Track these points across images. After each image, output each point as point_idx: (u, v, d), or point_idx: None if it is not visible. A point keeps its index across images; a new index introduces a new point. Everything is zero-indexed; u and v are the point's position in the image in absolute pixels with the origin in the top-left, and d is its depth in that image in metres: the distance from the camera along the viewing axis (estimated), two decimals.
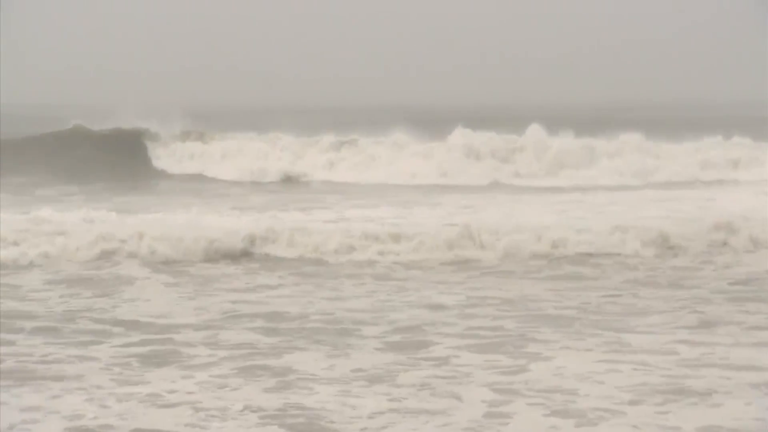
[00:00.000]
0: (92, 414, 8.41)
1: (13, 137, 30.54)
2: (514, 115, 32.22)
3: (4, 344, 10.56)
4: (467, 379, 9.34)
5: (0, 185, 24.00)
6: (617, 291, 13.33)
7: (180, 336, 10.93)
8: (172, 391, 8.97)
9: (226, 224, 16.96)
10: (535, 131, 28.66)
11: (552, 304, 12.47)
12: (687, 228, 16.28)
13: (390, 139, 29.53)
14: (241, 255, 15.64)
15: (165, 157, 29.82)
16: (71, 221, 16.61)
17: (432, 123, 32.27)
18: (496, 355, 10.11)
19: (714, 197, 21.32)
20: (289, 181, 27.47)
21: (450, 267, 15.13)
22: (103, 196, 23.04)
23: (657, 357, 9.93)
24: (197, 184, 26.92)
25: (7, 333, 11.06)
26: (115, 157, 29.29)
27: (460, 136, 29.06)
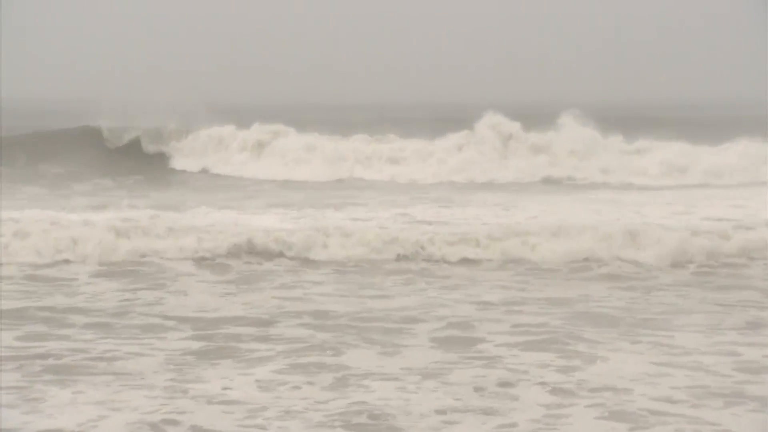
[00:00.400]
0: (152, 410, 8.45)
1: (43, 129, 30.68)
2: (539, 113, 32.02)
3: (59, 340, 10.63)
4: (521, 378, 9.32)
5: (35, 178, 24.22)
6: (666, 291, 13.30)
7: (233, 333, 10.96)
8: (230, 389, 9.00)
9: (266, 221, 16.97)
10: (567, 123, 28.49)
11: (601, 303, 12.44)
12: (729, 228, 16.20)
13: (418, 136, 29.36)
14: (283, 252, 15.52)
15: (192, 154, 29.68)
16: (110, 217, 16.69)
17: (459, 121, 32.17)
18: (548, 354, 10.10)
19: (750, 197, 21.31)
20: (320, 179, 27.23)
21: (495, 265, 15.10)
22: (139, 192, 23.16)
23: (712, 359, 9.92)
24: (228, 181, 26.88)
25: (60, 328, 11.15)
26: (141, 153, 29.39)
27: (489, 127, 28.88)
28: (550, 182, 26.62)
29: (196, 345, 10.46)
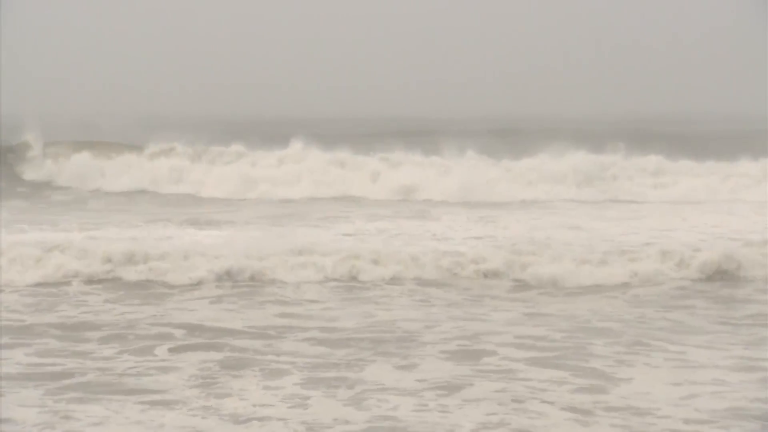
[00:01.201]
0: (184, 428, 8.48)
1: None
2: (519, 128, 32.21)
3: (77, 356, 10.62)
4: (540, 395, 9.39)
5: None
6: (675, 307, 13.39)
7: (249, 350, 10.96)
8: (254, 405, 9.02)
9: (252, 240, 16.97)
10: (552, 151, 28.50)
11: (613, 320, 12.50)
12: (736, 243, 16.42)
13: (392, 152, 29.22)
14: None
15: (169, 170, 29.29)
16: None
17: (428, 135, 32.22)
18: (563, 372, 10.13)
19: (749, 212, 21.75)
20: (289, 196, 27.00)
21: (496, 281, 15.07)
22: (142, 208, 23.23)
23: (734, 376, 9.97)
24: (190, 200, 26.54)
25: (75, 343, 11.14)
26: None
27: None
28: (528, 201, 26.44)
29: (217, 362, 10.43)
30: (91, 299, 13.63)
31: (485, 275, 15.12)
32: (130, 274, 14.80)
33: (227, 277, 14.82)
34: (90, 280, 14.63)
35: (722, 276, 15.20)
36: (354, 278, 14.98)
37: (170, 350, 10.90)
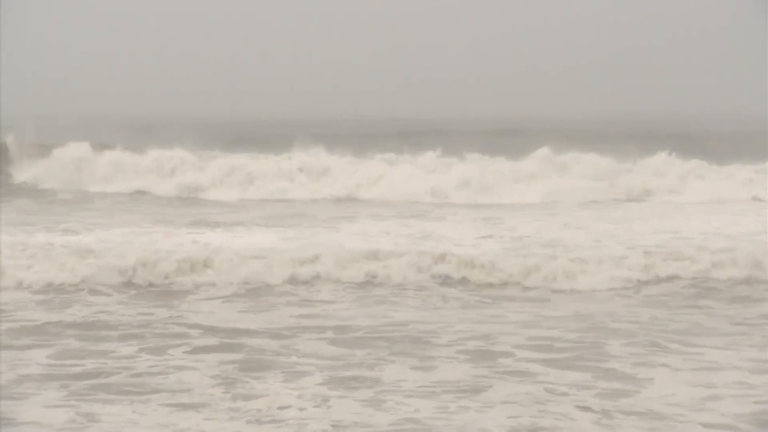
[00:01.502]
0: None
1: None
2: (523, 129, 32.11)
3: (100, 356, 10.61)
4: (562, 398, 9.38)
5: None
6: (690, 307, 13.42)
7: (267, 351, 10.95)
8: (280, 408, 9.02)
9: (265, 240, 16.94)
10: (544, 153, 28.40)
11: (628, 321, 12.48)
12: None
13: (393, 153, 29.16)
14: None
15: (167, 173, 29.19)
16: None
17: (431, 135, 32.19)
18: (584, 373, 10.13)
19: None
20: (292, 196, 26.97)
21: (509, 282, 14.97)
22: (144, 209, 23.17)
23: (756, 378, 9.96)
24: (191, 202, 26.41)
25: (97, 342, 11.13)
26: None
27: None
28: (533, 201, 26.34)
29: (236, 365, 10.39)
30: (105, 300, 13.60)
31: (498, 276, 15.07)
32: (142, 275, 14.74)
33: (239, 278, 14.76)
34: (102, 282, 14.55)
35: (735, 276, 15.22)
36: (368, 278, 14.96)
37: (190, 352, 10.88)
